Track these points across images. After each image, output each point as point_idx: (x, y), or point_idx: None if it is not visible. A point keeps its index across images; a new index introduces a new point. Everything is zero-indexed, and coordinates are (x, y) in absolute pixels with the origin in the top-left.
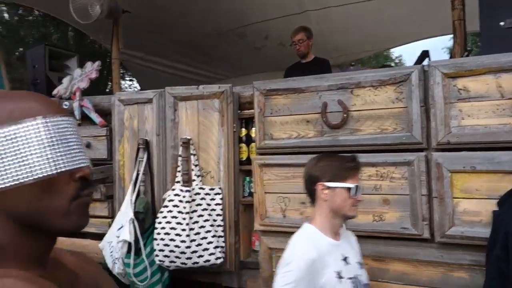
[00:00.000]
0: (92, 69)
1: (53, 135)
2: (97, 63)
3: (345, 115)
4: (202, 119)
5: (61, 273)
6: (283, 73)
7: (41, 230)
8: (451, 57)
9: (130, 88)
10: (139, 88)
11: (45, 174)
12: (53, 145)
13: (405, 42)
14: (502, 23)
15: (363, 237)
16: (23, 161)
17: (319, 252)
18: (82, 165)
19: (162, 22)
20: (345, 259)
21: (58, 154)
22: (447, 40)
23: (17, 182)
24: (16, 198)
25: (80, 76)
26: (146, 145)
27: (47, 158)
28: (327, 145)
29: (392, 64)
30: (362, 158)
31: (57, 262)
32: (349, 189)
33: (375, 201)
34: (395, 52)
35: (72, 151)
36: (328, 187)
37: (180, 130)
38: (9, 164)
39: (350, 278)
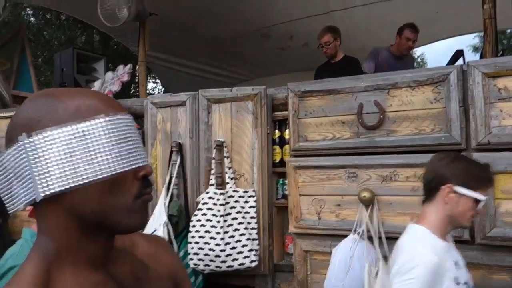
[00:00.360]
0: (124, 72)
1: (119, 133)
2: (129, 66)
3: (381, 116)
4: (236, 122)
5: (125, 268)
6: (308, 73)
7: (103, 230)
8: (481, 56)
9: (154, 90)
10: (163, 90)
11: (114, 173)
12: (120, 143)
13: (429, 41)
14: None
15: None
16: (92, 159)
17: (438, 256)
18: (145, 163)
19: (186, 23)
20: (456, 262)
21: (125, 152)
22: (471, 39)
23: (86, 181)
24: (83, 198)
25: (111, 79)
26: (179, 148)
27: (116, 156)
28: (363, 146)
29: (415, 64)
30: (400, 159)
31: (125, 254)
32: (477, 201)
33: (414, 203)
34: (417, 51)
35: (135, 149)
36: (456, 192)
37: (213, 132)
38: (78, 163)
39: (465, 283)
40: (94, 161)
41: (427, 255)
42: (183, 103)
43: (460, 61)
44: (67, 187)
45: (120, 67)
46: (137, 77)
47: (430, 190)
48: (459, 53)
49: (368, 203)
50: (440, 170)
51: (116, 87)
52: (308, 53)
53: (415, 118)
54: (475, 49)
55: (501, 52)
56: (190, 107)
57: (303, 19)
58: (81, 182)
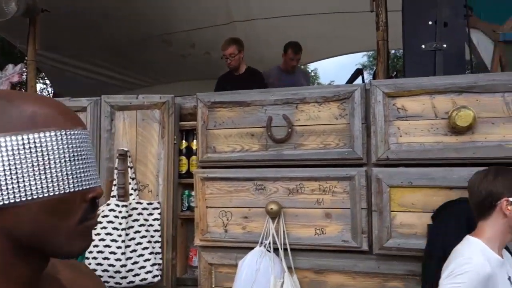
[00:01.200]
0: (13, 72)
1: (74, 149)
2: (20, 66)
3: (289, 130)
4: (141, 130)
5: None
6: (209, 82)
7: (40, 252)
8: (374, 76)
9: (42, 92)
10: (53, 92)
11: (62, 192)
12: (74, 160)
13: (321, 58)
14: (423, 46)
15: (304, 250)
16: (39, 174)
17: (492, 268)
18: (96, 184)
19: (83, 24)
20: (509, 278)
21: (78, 170)
22: (360, 57)
23: (30, 198)
24: (23, 216)
25: None
26: None
27: (67, 174)
28: (272, 158)
29: None
30: (306, 172)
31: (50, 278)
32: None
33: (318, 215)
34: (311, 66)
35: (88, 168)
36: None
37: (117, 141)
38: (23, 177)
39: None
40: (42, 177)
41: (481, 264)
42: (83, 109)
43: (359, 79)
44: (7, 202)
45: (9, 66)
46: (24, 77)
47: (484, 209)
48: (358, 72)
49: (275, 215)
50: (490, 188)
51: (4, 88)
52: (210, 62)
53: (321, 132)
54: (364, 67)
55: (395, 74)
56: (92, 113)
57: (205, 28)
58: (23, 199)
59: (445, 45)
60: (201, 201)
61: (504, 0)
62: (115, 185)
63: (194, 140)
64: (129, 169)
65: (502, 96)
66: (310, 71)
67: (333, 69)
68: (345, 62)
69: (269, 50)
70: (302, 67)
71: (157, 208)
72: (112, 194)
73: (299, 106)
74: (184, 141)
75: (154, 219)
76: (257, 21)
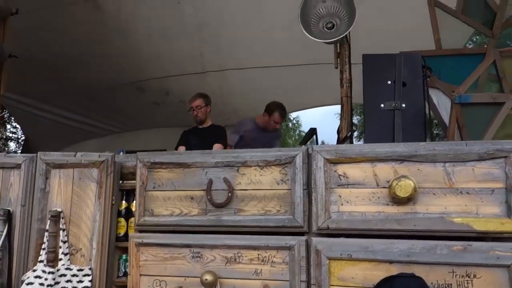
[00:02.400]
0: None
1: None
2: None
3: (229, 194)
4: (77, 190)
5: None
6: (182, 129)
7: None
8: (338, 132)
9: (14, 137)
10: (23, 137)
11: None
12: None
13: (301, 108)
14: (382, 105)
15: None
16: None
17: None
18: None
19: (55, 69)
20: None
21: None
22: (339, 108)
23: None
24: None
25: None
26: (8, 216)
27: None
28: (210, 224)
29: (290, 125)
30: (245, 240)
31: None
32: None
33: (256, 286)
34: (292, 114)
35: None
36: None
37: (50, 201)
38: None
39: None
40: None
41: None
42: (18, 166)
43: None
44: None
45: None
46: None
47: None
48: (312, 132)
49: (210, 286)
50: None
51: None
52: (184, 110)
53: (262, 198)
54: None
55: (349, 133)
56: (26, 170)
57: (179, 76)
58: None
59: (404, 105)
60: (135, 269)
61: (462, 62)
62: (43, 248)
63: (134, 201)
64: (61, 231)
65: (443, 166)
66: (292, 119)
67: (316, 117)
68: (327, 109)
69: (243, 101)
70: None
71: (88, 275)
72: (40, 258)
73: (241, 169)
74: (124, 201)
75: (84, 287)
76: (230, 71)
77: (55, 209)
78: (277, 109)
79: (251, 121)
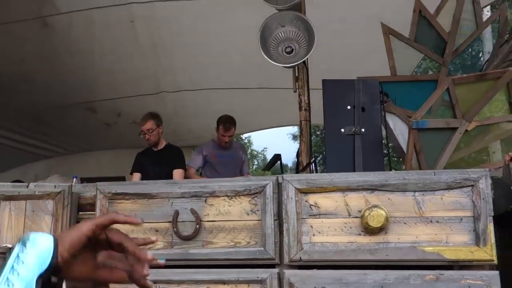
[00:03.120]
0: None
1: None
2: None
3: (197, 226)
4: (30, 223)
5: None
6: (135, 151)
7: None
8: (297, 155)
9: None
10: None
11: None
12: None
13: (255, 129)
14: (342, 130)
15: None
16: None
17: None
18: None
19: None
20: None
21: None
22: (291, 128)
23: None
24: None
25: None
26: None
27: None
28: (177, 258)
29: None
30: (214, 274)
31: None
32: None
33: None
34: (244, 135)
35: None
36: None
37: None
38: None
39: None
40: None
41: None
42: None
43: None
44: None
45: None
46: None
47: None
48: (277, 158)
49: None
50: None
51: None
52: (137, 131)
53: (231, 229)
54: (294, 137)
55: (313, 159)
56: None
57: (133, 97)
58: None
59: (363, 129)
60: None
61: (416, 88)
62: None
63: None
64: None
65: (413, 195)
66: (243, 138)
67: (267, 137)
68: (279, 129)
69: (197, 121)
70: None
71: None
72: None
73: (208, 200)
74: None
75: None
76: (185, 93)
77: (4, 245)
78: (219, 122)
79: (211, 142)
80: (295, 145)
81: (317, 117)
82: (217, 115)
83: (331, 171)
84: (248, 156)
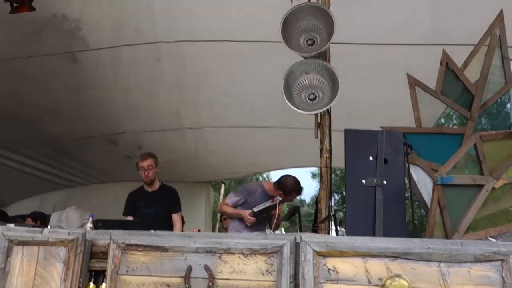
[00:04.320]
0: None
1: None
2: None
3: (210, 284)
4: (41, 270)
5: None
6: None
7: None
8: (316, 203)
9: None
10: None
11: None
12: None
13: (274, 168)
14: (363, 181)
15: None
16: None
17: None
18: None
19: (26, 119)
20: None
21: None
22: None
23: None
24: None
25: None
26: None
27: None
28: None
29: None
30: None
31: None
32: None
33: None
34: (265, 174)
35: None
36: None
37: (9, 282)
38: None
39: None
40: None
41: None
42: None
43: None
44: None
45: None
46: None
47: None
48: (295, 209)
49: None
50: None
51: None
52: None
53: None
54: (314, 175)
55: (339, 196)
56: None
57: (154, 131)
58: None
59: (385, 182)
60: None
61: (441, 140)
62: None
63: (103, 283)
64: None
65: (438, 266)
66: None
67: (286, 172)
68: (296, 172)
69: (217, 158)
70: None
71: None
72: None
73: (223, 257)
74: (92, 283)
75: None
76: (206, 129)
77: None
78: (295, 191)
79: (259, 186)
80: (314, 182)
81: (338, 161)
82: (237, 152)
83: (351, 223)
84: None
